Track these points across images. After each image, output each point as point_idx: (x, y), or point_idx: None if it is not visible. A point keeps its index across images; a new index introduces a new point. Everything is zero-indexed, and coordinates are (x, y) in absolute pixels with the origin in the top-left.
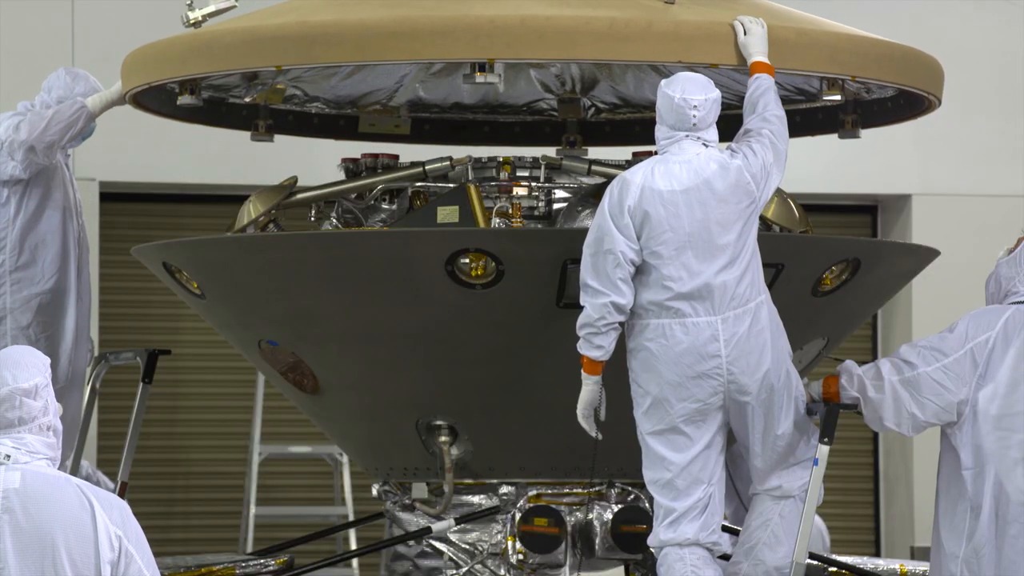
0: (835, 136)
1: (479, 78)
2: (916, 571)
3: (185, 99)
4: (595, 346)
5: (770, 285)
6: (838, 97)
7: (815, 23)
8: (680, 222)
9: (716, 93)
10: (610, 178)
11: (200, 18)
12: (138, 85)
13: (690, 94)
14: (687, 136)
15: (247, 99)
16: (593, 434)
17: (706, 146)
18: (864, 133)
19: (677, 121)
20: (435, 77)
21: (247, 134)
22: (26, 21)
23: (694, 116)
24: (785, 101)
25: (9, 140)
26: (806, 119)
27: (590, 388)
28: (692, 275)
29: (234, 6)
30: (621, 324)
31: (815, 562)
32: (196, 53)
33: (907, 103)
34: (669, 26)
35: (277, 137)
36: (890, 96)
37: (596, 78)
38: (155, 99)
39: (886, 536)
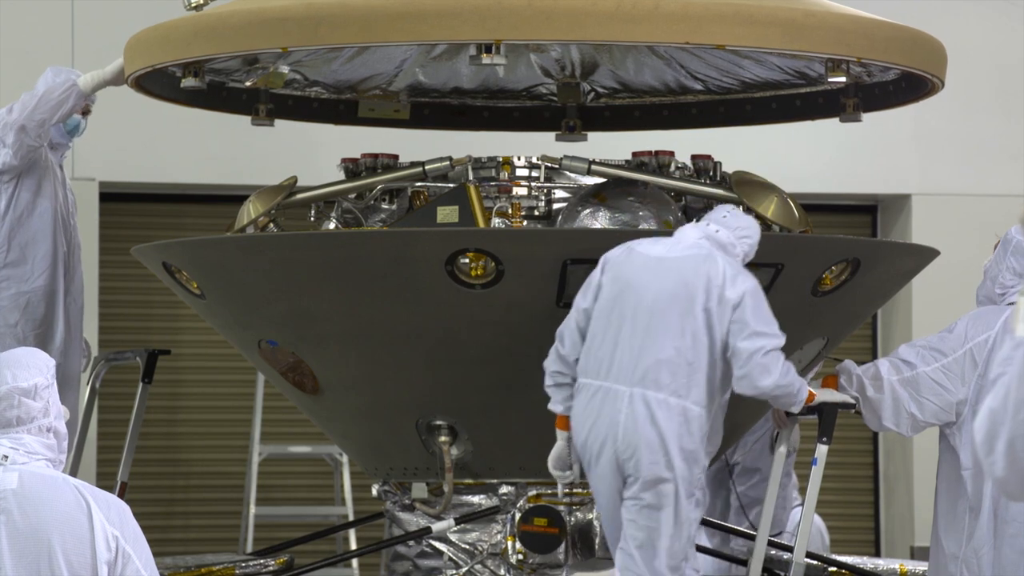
0: (835, 136)
1: (485, 59)
2: (916, 571)
3: (189, 82)
4: (551, 398)
5: (770, 285)
6: (842, 79)
7: (822, 5)
8: (633, 287)
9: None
10: (610, 178)
11: (202, 1)
12: (141, 68)
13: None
14: (695, 223)
15: (247, 83)
16: (559, 487)
17: (710, 239)
18: (864, 133)
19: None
20: (435, 61)
21: (247, 134)
22: (26, 19)
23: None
24: (786, 85)
25: (2, 123)
26: (807, 103)
27: (557, 442)
28: (616, 342)
29: None
30: (572, 380)
31: (815, 562)
32: (201, 35)
33: (909, 86)
34: (677, 7)
35: (277, 136)
36: (891, 79)
37: (596, 63)
38: (156, 83)
39: (886, 536)
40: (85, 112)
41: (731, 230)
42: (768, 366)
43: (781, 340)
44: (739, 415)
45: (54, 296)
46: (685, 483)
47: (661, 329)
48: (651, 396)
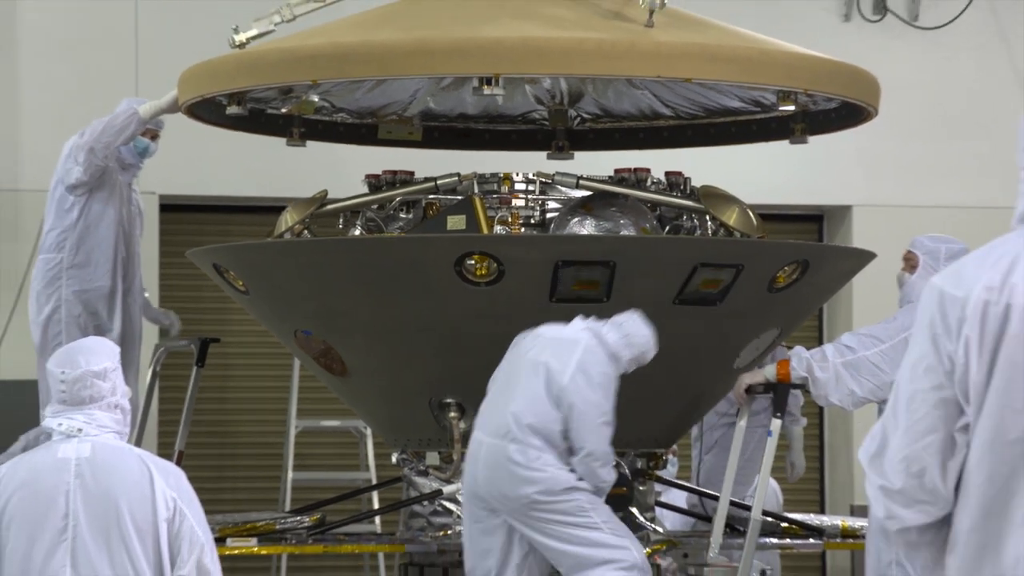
0: (788, 155)
1: (486, 90)
2: (855, 526)
3: (233, 109)
4: None
5: (731, 284)
6: (792, 107)
7: (774, 44)
8: (520, 355)
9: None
10: (595, 191)
11: (244, 40)
12: (193, 97)
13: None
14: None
15: (283, 110)
16: None
17: (596, 335)
18: (813, 152)
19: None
20: (444, 91)
21: (287, 155)
22: (93, 58)
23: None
24: (743, 112)
25: (75, 145)
26: (761, 127)
27: None
28: (494, 407)
29: (273, 30)
30: None
31: (770, 519)
32: (243, 70)
33: (848, 114)
34: (650, 46)
35: (309, 155)
36: (834, 108)
37: (582, 92)
38: (206, 110)
39: (830, 496)
40: (154, 136)
41: (622, 336)
42: (595, 471)
43: (607, 436)
44: (693, 393)
45: (113, 295)
46: (558, 483)
47: (522, 390)
48: (503, 444)
